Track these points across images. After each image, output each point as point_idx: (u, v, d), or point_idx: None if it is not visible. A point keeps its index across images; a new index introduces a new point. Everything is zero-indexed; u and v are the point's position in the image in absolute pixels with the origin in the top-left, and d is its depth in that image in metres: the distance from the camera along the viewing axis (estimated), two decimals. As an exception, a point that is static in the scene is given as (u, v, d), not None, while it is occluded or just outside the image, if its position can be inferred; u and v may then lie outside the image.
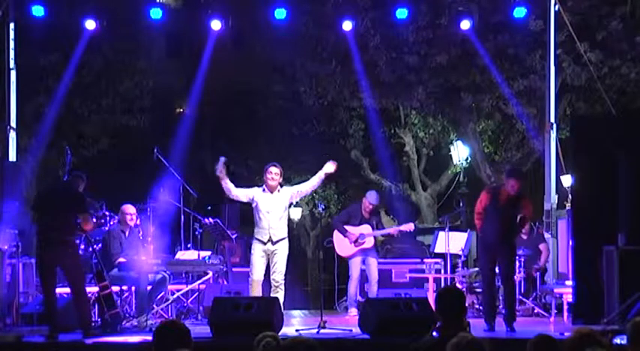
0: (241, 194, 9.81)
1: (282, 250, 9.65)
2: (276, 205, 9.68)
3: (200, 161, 19.91)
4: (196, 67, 13.90)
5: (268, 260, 9.65)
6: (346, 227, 11.38)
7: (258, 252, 9.63)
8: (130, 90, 15.37)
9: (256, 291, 9.60)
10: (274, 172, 9.72)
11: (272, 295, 9.50)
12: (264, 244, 9.61)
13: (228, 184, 9.71)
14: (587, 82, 13.43)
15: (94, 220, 9.54)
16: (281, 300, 9.38)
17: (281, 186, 9.80)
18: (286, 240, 9.74)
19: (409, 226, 11.78)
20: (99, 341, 8.29)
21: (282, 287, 9.60)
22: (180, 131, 15.53)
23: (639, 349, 4.69)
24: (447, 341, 4.45)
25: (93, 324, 9.20)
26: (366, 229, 11.34)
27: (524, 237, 12.23)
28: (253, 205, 9.77)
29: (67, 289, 10.44)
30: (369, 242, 11.33)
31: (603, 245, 9.14)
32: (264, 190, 9.75)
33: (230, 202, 14.45)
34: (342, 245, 11.43)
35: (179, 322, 4.69)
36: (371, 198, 11.54)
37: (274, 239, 9.61)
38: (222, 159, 9.69)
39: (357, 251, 11.34)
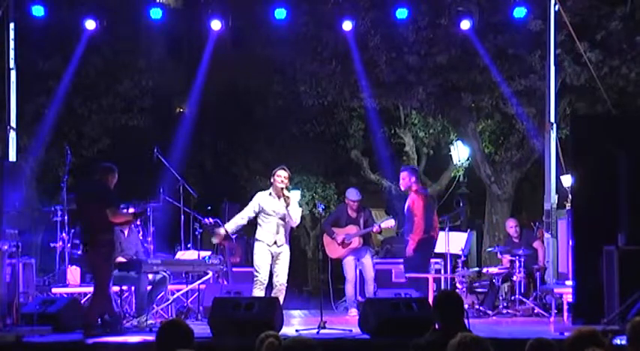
0: (248, 215, 9.84)
1: (285, 254, 9.73)
2: (282, 209, 9.70)
3: (200, 161, 19.90)
4: (196, 67, 13.90)
5: (271, 261, 9.68)
6: (334, 229, 11.46)
7: (263, 251, 9.66)
8: (130, 90, 15.36)
9: (261, 292, 9.61)
10: (283, 176, 9.71)
11: (273, 296, 9.53)
12: (270, 246, 9.66)
13: (234, 228, 9.88)
14: (587, 82, 13.41)
15: (127, 212, 9.33)
16: (282, 301, 9.42)
17: (288, 190, 9.82)
18: (287, 246, 9.80)
19: (389, 223, 11.82)
20: (99, 341, 8.29)
21: (284, 290, 9.65)
22: (180, 131, 15.54)
23: (638, 349, 4.68)
24: (446, 341, 4.45)
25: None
26: (351, 229, 11.40)
27: (516, 240, 12.25)
28: (259, 210, 9.80)
29: (68, 289, 10.52)
30: (356, 242, 11.37)
31: (603, 245, 9.14)
32: (270, 193, 9.77)
33: (230, 202, 14.51)
34: (331, 247, 11.53)
35: (182, 322, 4.70)
36: (350, 195, 11.63)
37: (279, 243, 9.67)
38: (218, 231, 9.96)
39: (347, 252, 11.40)
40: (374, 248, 12.57)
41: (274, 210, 9.70)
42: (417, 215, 10.52)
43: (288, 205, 9.65)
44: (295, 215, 9.77)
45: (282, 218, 9.71)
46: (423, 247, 10.59)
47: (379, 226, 11.57)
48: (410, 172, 10.91)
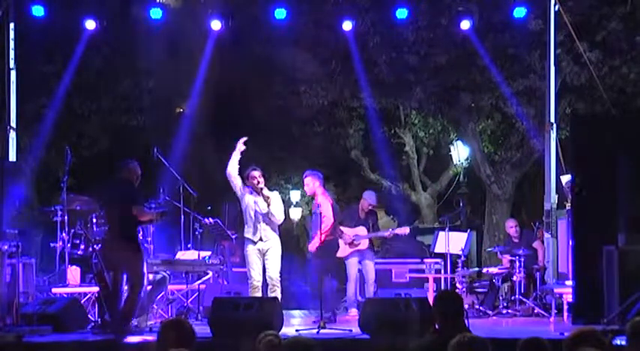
0: (236, 182, 9.83)
1: (274, 248, 9.72)
2: (264, 207, 9.72)
3: (200, 161, 19.87)
4: (196, 67, 13.89)
5: (262, 259, 9.71)
6: (342, 228, 11.41)
7: (252, 252, 9.72)
8: (130, 90, 15.36)
9: (257, 293, 9.62)
10: (258, 176, 9.76)
11: (269, 294, 9.54)
12: (255, 243, 9.69)
13: (234, 163, 9.75)
14: (587, 82, 13.42)
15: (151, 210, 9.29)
16: (279, 299, 9.45)
17: (269, 189, 9.83)
18: (277, 239, 9.78)
19: (404, 230, 11.79)
20: (99, 341, 8.30)
21: (279, 285, 9.66)
22: (180, 131, 15.52)
23: (638, 349, 4.68)
24: (446, 341, 4.45)
25: (93, 324, 9.24)
26: (361, 230, 11.38)
27: (516, 240, 12.26)
28: (243, 204, 9.83)
29: (68, 289, 10.53)
30: (364, 244, 11.36)
31: (603, 245, 9.14)
32: (251, 192, 9.81)
33: (230, 202, 14.48)
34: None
35: (185, 322, 4.70)
36: (370, 199, 11.55)
37: (265, 239, 9.69)
38: (244, 139, 9.87)
39: (352, 252, 11.38)
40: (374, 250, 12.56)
41: (255, 208, 9.74)
42: (326, 216, 10.52)
43: (269, 205, 9.67)
44: (277, 213, 9.77)
45: (265, 215, 9.73)
46: (331, 249, 10.61)
47: (393, 233, 11.59)
48: (314, 176, 10.69)
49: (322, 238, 10.17)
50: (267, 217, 9.72)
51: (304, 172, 10.94)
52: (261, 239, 9.71)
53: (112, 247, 8.82)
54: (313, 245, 10.38)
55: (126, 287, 8.90)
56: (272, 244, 9.76)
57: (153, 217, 9.08)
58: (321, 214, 10.51)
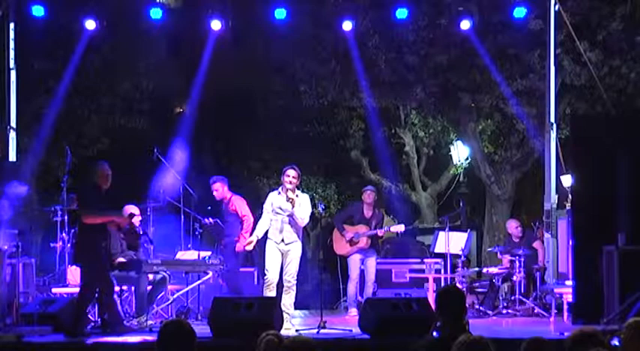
0: (269, 217, 9.78)
1: (295, 251, 9.72)
2: (289, 208, 9.68)
3: (200, 161, 19.89)
4: (196, 67, 13.89)
5: (282, 259, 9.68)
6: (345, 226, 11.53)
7: (272, 250, 9.67)
8: (130, 90, 15.35)
9: (271, 292, 9.57)
10: (292, 176, 9.68)
11: (284, 295, 9.54)
12: (277, 243, 9.67)
13: (261, 232, 9.78)
14: (587, 82, 13.42)
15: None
16: (292, 301, 9.48)
17: (299, 189, 9.81)
18: (299, 242, 9.77)
19: (399, 228, 11.92)
20: (99, 341, 8.30)
21: (294, 288, 9.66)
22: (180, 131, 15.52)
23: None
24: (447, 341, 4.45)
25: (93, 324, 9.25)
26: (361, 228, 11.45)
27: (516, 240, 12.27)
28: (272, 205, 9.80)
29: (68, 289, 10.53)
30: (364, 242, 11.40)
31: (603, 245, 9.15)
32: (279, 192, 9.76)
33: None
34: (339, 244, 11.60)
35: (185, 323, 4.69)
36: (364, 193, 11.75)
37: (286, 241, 9.66)
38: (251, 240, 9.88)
39: (353, 250, 11.44)
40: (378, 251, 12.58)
41: (281, 208, 9.70)
42: (246, 215, 10.82)
43: (293, 206, 9.63)
44: (301, 216, 9.72)
45: (290, 216, 9.70)
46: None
47: (385, 230, 11.63)
48: (222, 182, 10.99)
49: (247, 237, 10.27)
50: (291, 219, 9.69)
51: (210, 178, 11.08)
52: (282, 240, 9.69)
53: (79, 253, 8.94)
54: (241, 245, 10.52)
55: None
56: (293, 247, 9.71)
57: (106, 219, 8.85)
58: (237, 214, 10.71)
